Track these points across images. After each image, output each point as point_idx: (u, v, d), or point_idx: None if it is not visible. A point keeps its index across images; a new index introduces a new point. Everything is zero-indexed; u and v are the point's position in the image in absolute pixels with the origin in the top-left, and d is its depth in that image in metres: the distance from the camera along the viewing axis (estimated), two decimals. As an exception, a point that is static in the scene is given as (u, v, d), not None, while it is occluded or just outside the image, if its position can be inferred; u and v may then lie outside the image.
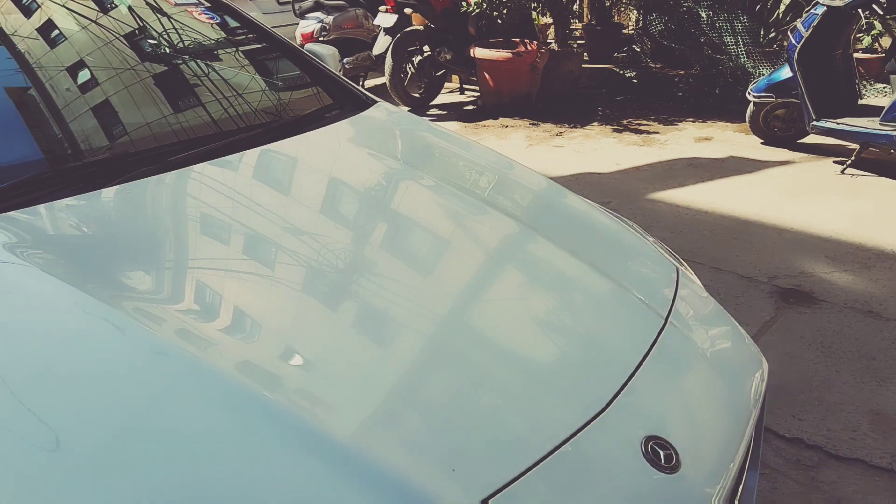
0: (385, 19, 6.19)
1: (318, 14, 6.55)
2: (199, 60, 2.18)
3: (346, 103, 2.25)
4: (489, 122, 6.06)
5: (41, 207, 1.36)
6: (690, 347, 1.38)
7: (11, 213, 1.32)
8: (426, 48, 6.31)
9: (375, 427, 1.01)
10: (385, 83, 6.22)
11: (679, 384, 1.31)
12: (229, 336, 1.13)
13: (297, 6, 6.70)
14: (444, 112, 6.46)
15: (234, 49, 2.35)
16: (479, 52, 6.06)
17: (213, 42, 2.31)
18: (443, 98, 6.84)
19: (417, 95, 6.45)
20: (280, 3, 7.27)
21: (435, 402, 1.09)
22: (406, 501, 0.90)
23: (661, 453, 1.10)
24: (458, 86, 7.12)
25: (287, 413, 0.98)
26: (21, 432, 0.91)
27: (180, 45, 2.17)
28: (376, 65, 6.51)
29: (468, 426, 1.05)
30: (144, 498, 0.85)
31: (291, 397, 1.02)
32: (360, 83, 7.05)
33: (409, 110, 6.36)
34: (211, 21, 2.36)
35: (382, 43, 6.20)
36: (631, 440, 1.11)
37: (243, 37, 2.39)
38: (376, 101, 2.31)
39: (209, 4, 2.38)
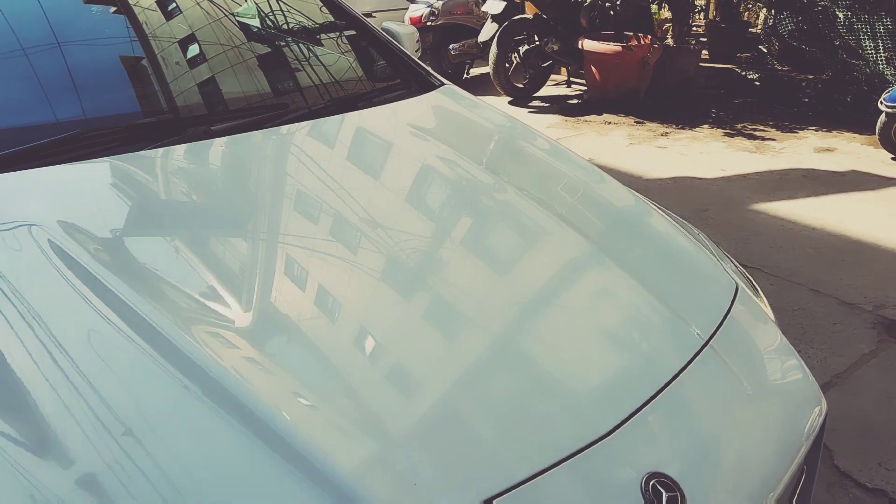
0: (493, 6, 6.06)
1: (429, -1, 6.52)
2: (266, 32, 2.16)
3: (413, 84, 2.17)
4: (592, 117, 5.83)
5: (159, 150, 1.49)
6: (727, 375, 1.21)
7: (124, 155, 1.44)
8: (534, 38, 6.14)
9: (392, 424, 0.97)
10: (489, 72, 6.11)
11: (704, 416, 1.14)
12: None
13: (407, -10, 6.71)
14: (547, 104, 6.27)
15: (306, 23, 2.31)
16: (587, 44, 5.84)
17: (283, 16, 2.29)
18: (547, 90, 6.65)
19: (521, 86, 6.30)
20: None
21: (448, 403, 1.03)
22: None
23: (665, 495, 0.95)
24: (566, 78, 6.90)
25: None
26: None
27: (254, 17, 2.16)
28: (483, 52, 6.41)
29: (475, 430, 0.99)
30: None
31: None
32: (466, 70, 6.98)
33: (509, 101, 6.24)
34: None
35: (489, 30, 6.09)
36: (631, 474, 0.97)
37: (315, 12, 2.35)
38: (444, 84, 2.22)
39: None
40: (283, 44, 2.18)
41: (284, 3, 2.29)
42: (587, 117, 5.83)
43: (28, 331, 1.01)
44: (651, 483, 0.96)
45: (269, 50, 2.11)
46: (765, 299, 1.59)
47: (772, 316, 1.48)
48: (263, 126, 1.69)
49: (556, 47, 6.08)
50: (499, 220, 1.54)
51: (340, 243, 1.33)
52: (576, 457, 0.97)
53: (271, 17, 2.25)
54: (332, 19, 2.33)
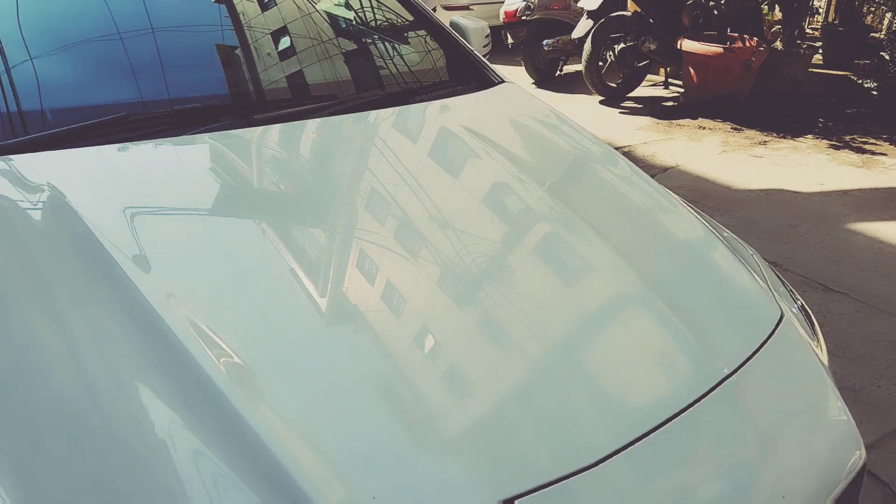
0: (590, 2, 5.89)
1: (526, -8, 6.41)
2: (326, 22, 2.17)
3: (472, 80, 2.13)
4: (686, 121, 5.57)
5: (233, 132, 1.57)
6: (741, 413, 1.11)
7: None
8: (631, 36, 5.93)
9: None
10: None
11: (701, 459, 1.05)
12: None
13: (505, -17, 6.63)
14: (639, 105, 6.05)
15: (368, 14, 2.31)
16: (686, 45, 5.58)
17: (347, 7, 2.29)
18: (642, 91, 6.42)
19: (614, 85, 6.11)
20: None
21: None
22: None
23: None
24: (663, 79, 6.64)
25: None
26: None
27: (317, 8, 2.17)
28: (577, 49, 6.25)
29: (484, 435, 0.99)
30: None
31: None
32: (559, 67, 6.83)
33: (601, 100, 6.07)
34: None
35: (583, 26, 5.92)
36: None
37: (379, 3, 2.34)
38: (503, 81, 2.16)
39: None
40: (343, 34, 2.18)
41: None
42: (680, 121, 5.59)
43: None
44: None
45: (329, 40, 2.11)
46: (819, 334, 1.45)
47: (819, 351, 1.35)
48: (313, 115, 1.71)
49: (653, 46, 5.86)
50: (544, 235, 1.47)
51: (375, 236, 1.33)
52: (548, 487, 0.92)
53: (334, 8, 2.26)
54: (395, 11, 2.31)
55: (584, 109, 5.93)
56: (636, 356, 1.18)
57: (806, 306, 1.55)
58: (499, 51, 7.26)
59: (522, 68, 6.78)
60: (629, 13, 5.94)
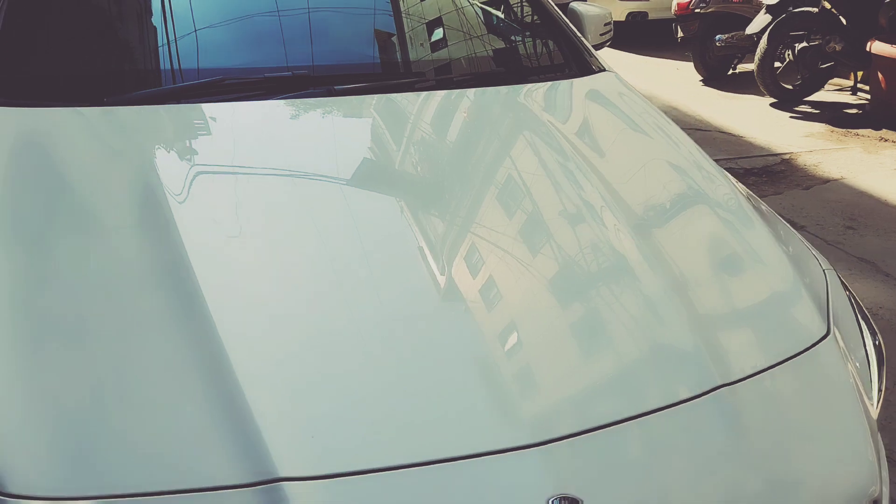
0: (770, -5, 5.47)
1: (703, -16, 6.08)
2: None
3: (571, 66, 2.10)
4: (866, 131, 5.03)
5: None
6: (729, 424, 1.05)
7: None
8: (814, 35, 5.43)
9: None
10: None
11: (664, 461, 1.01)
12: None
13: (681, -26, 6.32)
14: (815, 111, 5.55)
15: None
16: (877, 47, 5.02)
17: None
18: (822, 95, 5.86)
19: (790, 87, 5.63)
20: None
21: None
22: None
23: None
24: (851, 84, 6.02)
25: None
26: None
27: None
28: (755, 46, 5.83)
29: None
30: None
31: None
32: (733, 65, 6.42)
33: (772, 103, 5.63)
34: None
35: (759, 22, 5.51)
36: (544, 489, 0.92)
37: None
38: (604, 70, 2.10)
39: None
40: (449, 14, 2.24)
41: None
42: (860, 131, 5.06)
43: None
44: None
45: (434, 19, 2.18)
46: (877, 379, 1.31)
47: (859, 385, 1.22)
48: (403, 90, 1.81)
49: (838, 47, 5.33)
50: (576, 225, 1.45)
51: (424, 204, 1.46)
52: (504, 454, 0.95)
53: None
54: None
55: (749, 111, 5.55)
56: (628, 350, 1.16)
57: (883, 346, 1.40)
58: (667, 44, 6.96)
59: (691, 64, 6.44)
60: (815, 10, 5.44)
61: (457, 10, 2.27)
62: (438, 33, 2.16)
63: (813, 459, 1.09)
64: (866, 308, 2.82)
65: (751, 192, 1.79)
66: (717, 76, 6.35)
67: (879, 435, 1.36)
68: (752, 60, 6.20)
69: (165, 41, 1.78)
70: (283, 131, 1.64)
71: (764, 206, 1.70)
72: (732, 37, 5.99)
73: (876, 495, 1.08)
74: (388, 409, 1.00)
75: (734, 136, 5.02)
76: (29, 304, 1.11)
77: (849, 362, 1.25)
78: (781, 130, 5.12)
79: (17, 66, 1.71)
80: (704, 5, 6.02)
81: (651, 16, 7.42)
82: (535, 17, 2.24)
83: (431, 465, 0.94)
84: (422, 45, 2.12)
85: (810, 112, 5.54)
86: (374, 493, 0.91)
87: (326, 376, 1.03)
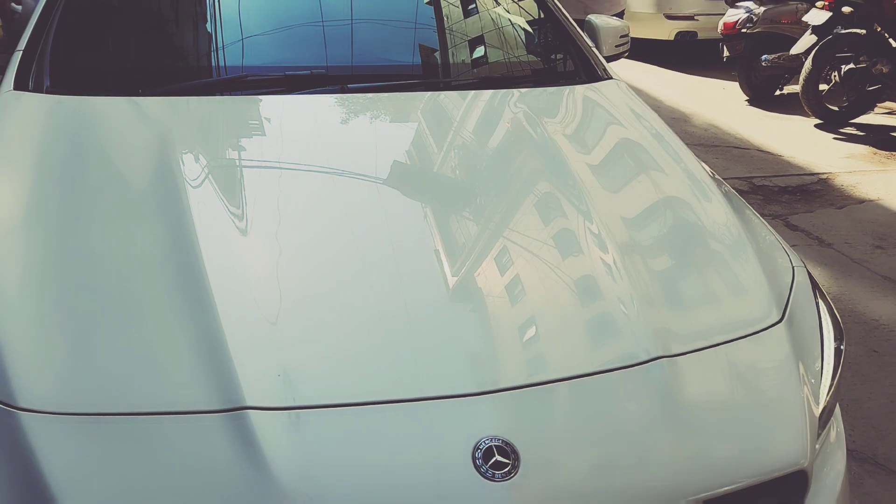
0: (816, 16, 5.43)
1: (750, 4, 6.06)
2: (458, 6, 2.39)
3: (581, 74, 2.21)
4: (911, 155, 4.95)
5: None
6: (660, 396, 1.14)
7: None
8: (861, 56, 5.37)
9: None
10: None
11: (586, 419, 1.11)
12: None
13: (729, -7, 6.33)
14: (861, 133, 5.47)
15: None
16: (925, 70, 4.95)
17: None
18: (871, 118, 5.76)
19: (835, 109, 5.57)
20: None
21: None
22: None
23: (495, 458, 1.00)
24: (903, 107, 5.91)
25: None
26: None
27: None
28: (801, 67, 5.79)
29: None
30: None
31: None
32: (780, 86, 6.37)
33: (816, 124, 5.58)
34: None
35: (804, 42, 5.48)
36: (474, 433, 1.03)
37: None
38: (610, 78, 2.20)
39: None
40: (467, 18, 2.39)
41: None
42: (904, 154, 4.98)
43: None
44: (488, 447, 1.01)
45: (452, 24, 2.33)
46: (828, 363, 1.37)
47: (810, 377, 1.29)
48: (415, 89, 1.97)
49: (885, 70, 5.26)
50: (541, 195, 1.62)
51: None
52: (440, 400, 1.07)
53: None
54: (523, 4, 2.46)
55: (791, 131, 5.51)
56: (577, 317, 1.29)
57: (843, 348, 1.46)
58: (715, 63, 6.97)
59: (737, 84, 6.42)
60: (863, 32, 5.38)
61: (479, 19, 2.43)
62: (459, 40, 2.31)
63: (739, 432, 1.17)
64: (883, 325, 2.82)
65: (741, 198, 1.87)
66: (763, 96, 6.32)
67: (837, 421, 1.42)
68: (798, 81, 6.16)
69: (196, 41, 2.00)
70: (300, 120, 1.82)
71: (749, 210, 1.78)
72: (779, 57, 5.95)
73: (805, 465, 1.15)
74: (351, 354, 1.13)
75: (772, 154, 5.01)
76: (53, 254, 1.29)
77: (798, 353, 1.31)
78: (822, 151, 5.08)
79: (68, 63, 1.93)
80: (751, 25, 6.01)
81: (700, 35, 7.40)
82: (549, 27, 2.36)
83: (385, 404, 1.06)
84: (442, 51, 2.26)
85: (855, 134, 5.47)
86: (331, 425, 1.03)
87: (300, 323, 1.18)
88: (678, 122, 5.61)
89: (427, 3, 2.40)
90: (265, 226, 1.40)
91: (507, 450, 1.01)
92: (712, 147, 5.13)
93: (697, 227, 1.59)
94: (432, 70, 2.13)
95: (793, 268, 1.55)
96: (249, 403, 1.03)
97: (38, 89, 1.78)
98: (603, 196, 1.58)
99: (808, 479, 1.16)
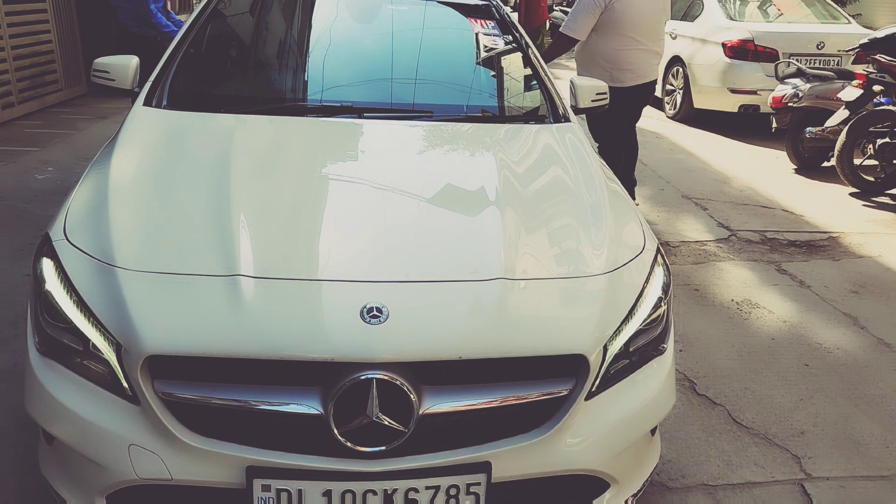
0: (848, 93, 5.85)
1: (797, 81, 6.54)
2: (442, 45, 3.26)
3: (549, 117, 2.93)
4: (934, 223, 5.23)
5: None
6: (485, 301, 1.81)
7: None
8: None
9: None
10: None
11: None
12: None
13: (779, 70, 6.81)
14: (893, 202, 5.78)
15: (492, 55, 3.30)
16: (949, 145, 5.26)
17: (481, 47, 3.30)
18: (907, 189, 6.05)
19: (871, 179, 5.91)
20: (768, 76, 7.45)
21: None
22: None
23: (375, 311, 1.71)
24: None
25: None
26: None
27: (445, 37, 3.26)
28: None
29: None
30: None
31: None
32: (829, 157, 6.72)
33: (852, 192, 5.93)
34: (490, 33, 3.35)
35: (837, 117, 5.90)
36: (361, 299, 1.73)
37: (504, 49, 3.32)
38: (568, 121, 2.90)
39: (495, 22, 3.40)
40: (467, 62, 3.21)
41: (487, 39, 3.29)
42: (929, 222, 5.26)
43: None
44: (370, 307, 1.70)
45: (453, 66, 3.16)
46: (646, 309, 1.97)
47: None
48: (431, 120, 2.77)
49: (915, 144, 5.58)
50: (458, 171, 2.42)
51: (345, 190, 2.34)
52: (357, 283, 1.78)
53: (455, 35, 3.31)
54: (516, 60, 3.25)
55: (824, 197, 5.87)
56: (453, 243, 1.98)
57: (661, 300, 2.04)
58: (762, 134, 7.39)
59: (786, 153, 6.84)
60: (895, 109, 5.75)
61: (489, 73, 3.24)
62: (475, 88, 3.11)
63: (540, 328, 1.78)
64: (824, 348, 3.29)
65: (636, 204, 2.51)
66: (810, 166, 6.69)
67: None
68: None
69: (282, 72, 2.95)
70: (326, 136, 2.61)
71: (635, 212, 2.38)
72: (823, 130, 6.37)
73: (606, 342, 1.79)
74: (308, 249, 1.89)
75: (794, 214, 5.41)
76: (154, 191, 2.14)
77: (610, 297, 1.90)
78: (846, 215, 5.42)
79: (179, 90, 2.86)
80: (797, 100, 6.47)
81: (763, 109, 7.84)
82: (537, 82, 3.11)
83: (321, 282, 1.79)
84: (461, 95, 3.05)
85: (887, 203, 5.77)
86: (288, 290, 1.76)
87: (287, 224, 1.97)
88: (717, 183, 6.09)
89: (454, 66, 3.22)
90: (288, 178, 2.24)
91: (382, 310, 1.70)
92: (740, 205, 5.58)
93: (572, 208, 2.22)
94: (448, 109, 2.89)
95: (644, 241, 2.16)
96: (241, 273, 1.78)
97: (158, 106, 2.70)
98: (512, 179, 2.27)
99: (589, 368, 1.77)
